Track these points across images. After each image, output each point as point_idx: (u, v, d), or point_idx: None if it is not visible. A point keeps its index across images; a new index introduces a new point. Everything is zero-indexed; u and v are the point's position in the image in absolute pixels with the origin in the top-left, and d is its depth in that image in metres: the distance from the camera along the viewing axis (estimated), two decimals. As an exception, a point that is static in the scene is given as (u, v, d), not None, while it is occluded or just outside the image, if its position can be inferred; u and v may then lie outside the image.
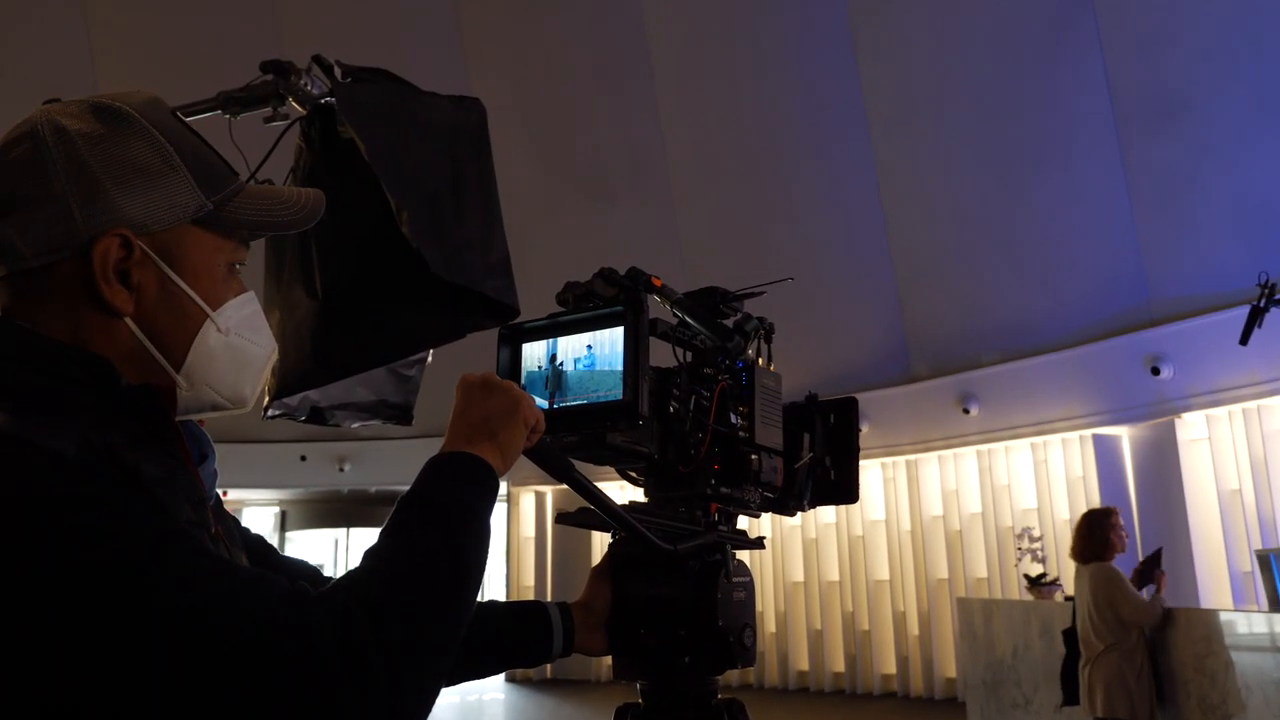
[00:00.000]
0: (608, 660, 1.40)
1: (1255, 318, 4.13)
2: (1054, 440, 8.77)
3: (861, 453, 1.62)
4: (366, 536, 15.26)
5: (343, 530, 16.37)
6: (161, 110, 0.94)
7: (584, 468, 1.20)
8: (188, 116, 1.78)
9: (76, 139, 0.87)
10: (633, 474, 1.42)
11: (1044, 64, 8.54)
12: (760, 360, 1.49)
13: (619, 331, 1.24)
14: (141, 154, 0.89)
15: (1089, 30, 8.15)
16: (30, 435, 0.75)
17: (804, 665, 10.51)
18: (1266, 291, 4.14)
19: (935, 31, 9.09)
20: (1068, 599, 6.47)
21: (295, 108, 1.74)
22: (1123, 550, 4.83)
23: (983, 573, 9.12)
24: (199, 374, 0.93)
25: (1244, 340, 4.15)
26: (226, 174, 0.96)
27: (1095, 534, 4.80)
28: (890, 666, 9.89)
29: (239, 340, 0.96)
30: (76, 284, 0.86)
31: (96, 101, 0.91)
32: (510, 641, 1.32)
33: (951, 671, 9.18)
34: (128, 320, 0.88)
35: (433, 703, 0.82)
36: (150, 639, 0.69)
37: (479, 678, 1.30)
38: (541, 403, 1.25)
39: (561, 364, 1.31)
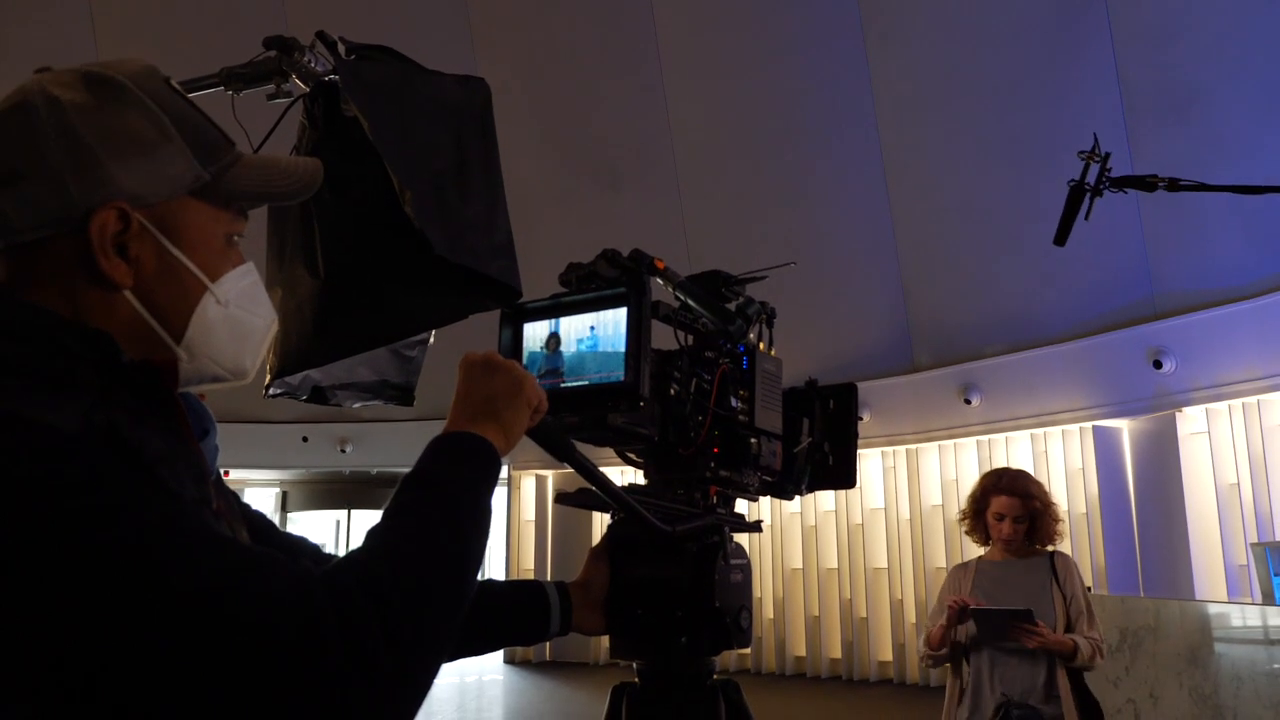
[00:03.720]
0: (606, 642, 1.41)
1: (1077, 203, 2.66)
2: (1054, 432, 8.78)
3: (862, 441, 1.63)
4: (368, 518, 15.32)
5: (344, 512, 16.40)
6: (156, 80, 0.92)
7: (584, 449, 1.20)
8: (190, 92, 1.77)
9: (69, 109, 0.85)
10: (632, 456, 1.43)
11: (1053, 56, 8.49)
12: (761, 345, 1.49)
13: (621, 313, 1.25)
14: (136, 124, 0.88)
15: (1099, 22, 8.10)
16: (31, 412, 0.74)
17: (801, 651, 10.56)
18: (1099, 162, 2.59)
19: (945, 21, 9.04)
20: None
21: (299, 85, 1.73)
22: (980, 543, 3.40)
23: (980, 562, 9.14)
24: (199, 346, 0.92)
25: (1060, 239, 2.75)
26: (223, 144, 0.94)
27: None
28: (887, 653, 9.93)
29: (238, 312, 0.95)
30: (74, 258, 0.85)
31: (89, 70, 0.89)
32: (508, 619, 1.32)
33: (947, 660, 9.21)
34: (127, 294, 0.87)
35: (432, 680, 0.82)
36: (152, 619, 0.69)
37: (476, 654, 1.30)
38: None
39: (546, 347, 1.31)
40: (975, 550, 3.40)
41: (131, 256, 0.87)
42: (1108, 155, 2.66)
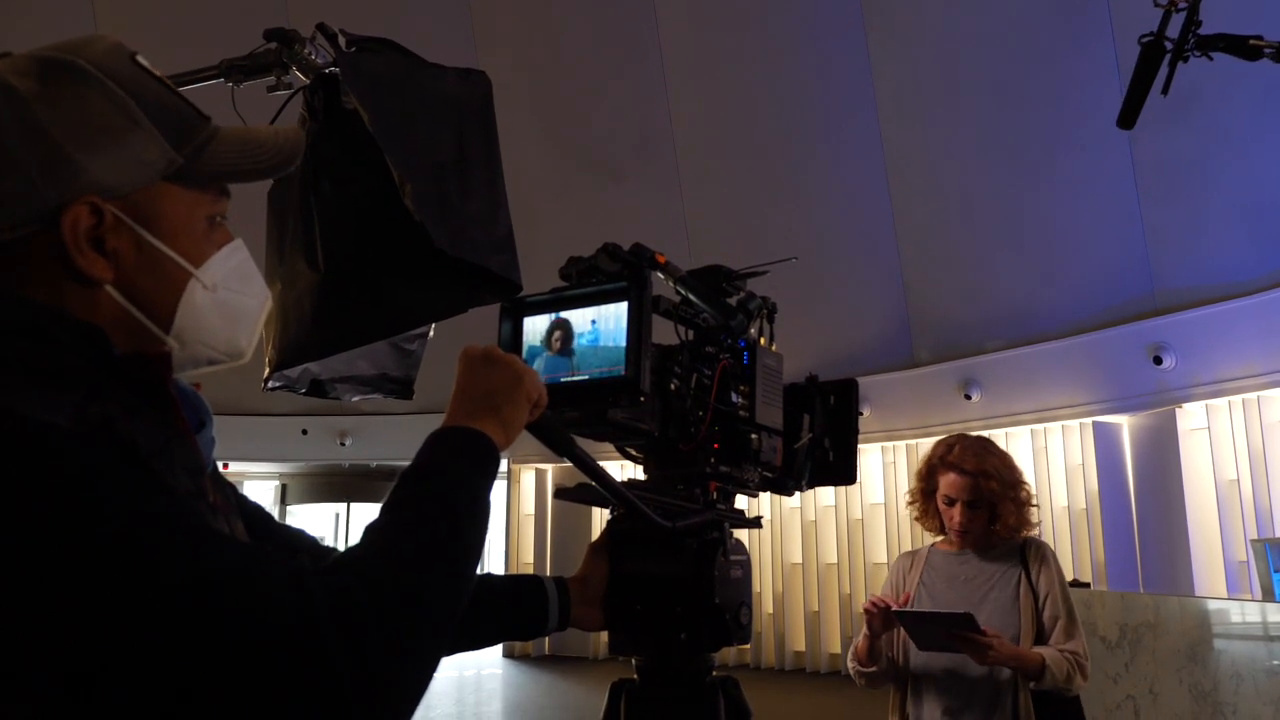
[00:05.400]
0: (605, 637, 1.41)
1: (1152, 68, 1.94)
2: (1054, 427, 8.78)
3: (862, 436, 1.62)
4: (367, 511, 15.33)
5: (343, 505, 16.42)
6: (121, 59, 0.87)
7: (584, 444, 1.20)
8: (190, 84, 1.77)
9: (29, 100, 0.82)
10: (632, 451, 1.42)
11: (1055, 51, 8.48)
12: (762, 340, 1.49)
13: (622, 307, 1.24)
14: (101, 111, 0.84)
15: (1100, 18, 8.09)
16: (24, 408, 0.72)
17: (801, 646, 10.57)
18: (1184, 10, 1.87)
19: (946, 17, 9.03)
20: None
21: (299, 77, 1.73)
22: (932, 530, 2.69)
23: (980, 558, 9.15)
24: (190, 333, 0.90)
25: (1125, 119, 2.11)
26: (196, 121, 0.90)
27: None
28: (886, 649, 9.95)
29: (228, 294, 0.93)
30: (51, 255, 0.82)
31: (47, 56, 0.84)
32: (506, 614, 1.32)
33: (946, 655, 9.22)
34: (109, 288, 0.85)
35: (431, 676, 0.82)
36: (147, 617, 0.68)
37: (474, 649, 1.30)
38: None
39: (547, 341, 1.31)
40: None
41: (109, 250, 0.84)
42: (1198, 1, 1.82)
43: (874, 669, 2.51)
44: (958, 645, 2.30)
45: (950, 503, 2.53)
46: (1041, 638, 2.39)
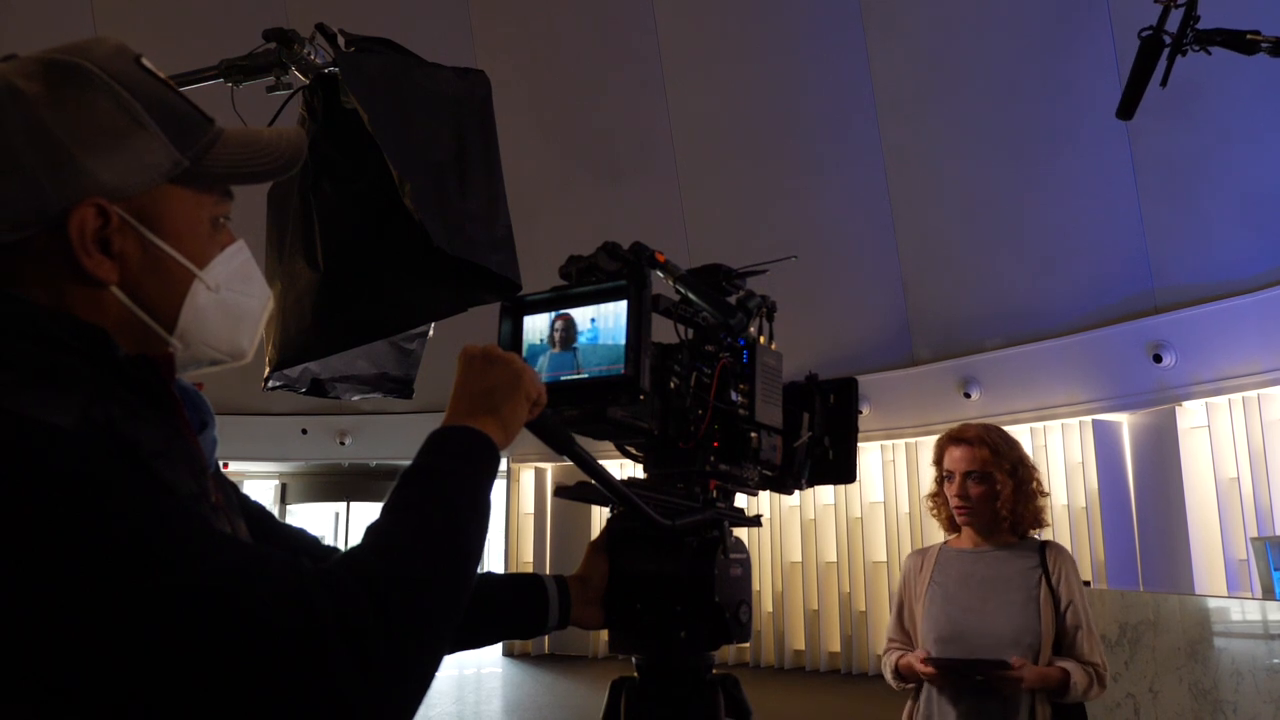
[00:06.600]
0: (605, 636, 1.41)
1: (1151, 61, 1.96)
2: (1054, 425, 8.78)
3: (862, 435, 1.62)
4: (367, 510, 15.34)
5: (343, 504, 16.42)
6: (125, 60, 0.88)
7: (584, 442, 1.20)
8: (189, 84, 1.77)
9: (35, 102, 0.82)
10: (632, 449, 1.42)
11: (1054, 48, 8.48)
12: (762, 338, 1.49)
13: (622, 306, 1.24)
14: (106, 113, 0.84)
15: (1100, 14, 8.08)
16: (27, 409, 0.73)
17: (800, 645, 10.58)
18: (1182, 6, 1.91)
19: (945, 13, 9.02)
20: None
21: (298, 77, 1.73)
22: (947, 528, 2.62)
23: (980, 556, 9.15)
24: (193, 334, 0.91)
25: (1125, 110, 2.10)
26: (200, 122, 0.91)
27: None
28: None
29: (230, 295, 0.93)
30: (56, 256, 0.83)
31: (53, 58, 0.85)
32: (507, 613, 1.32)
33: (946, 653, 9.22)
34: (114, 289, 0.85)
35: (433, 676, 0.82)
36: (150, 618, 0.69)
37: (474, 648, 1.30)
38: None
39: (549, 341, 1.31)
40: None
41: (115, 251, 0.85)
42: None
43: (910, 686, 2.49)
44: (989, 681, 2.27)
45: (951, 477, 2.47)
46: (1060, 645, 2.33)
